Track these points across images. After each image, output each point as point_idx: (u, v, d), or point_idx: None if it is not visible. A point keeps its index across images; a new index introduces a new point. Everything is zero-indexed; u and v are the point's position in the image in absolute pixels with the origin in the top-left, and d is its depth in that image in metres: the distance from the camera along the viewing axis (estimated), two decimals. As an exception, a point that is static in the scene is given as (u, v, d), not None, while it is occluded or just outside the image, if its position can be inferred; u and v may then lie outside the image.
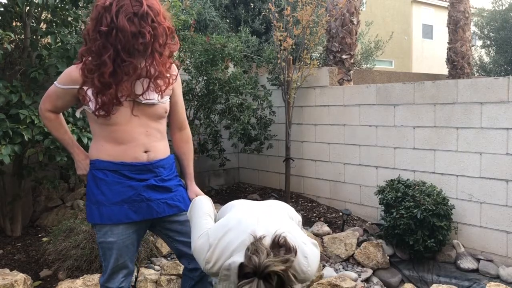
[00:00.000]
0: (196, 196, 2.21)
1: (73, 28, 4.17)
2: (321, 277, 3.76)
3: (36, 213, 4.52)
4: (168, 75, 2.08)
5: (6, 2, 3.63)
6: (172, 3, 4.81)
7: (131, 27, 1.85)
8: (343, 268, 4.13)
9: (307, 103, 5.69)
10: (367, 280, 4.01)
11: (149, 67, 1.97)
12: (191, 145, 2.36)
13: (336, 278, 3.56)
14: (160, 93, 2.06)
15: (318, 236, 4.46)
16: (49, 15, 3.98)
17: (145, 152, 2.08)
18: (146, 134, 2.08)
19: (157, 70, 2.00)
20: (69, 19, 4.07)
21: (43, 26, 4.02)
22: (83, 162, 2.17)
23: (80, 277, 3.21)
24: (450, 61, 10.52)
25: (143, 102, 2.03)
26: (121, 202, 2.02)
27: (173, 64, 2.15)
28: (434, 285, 3.58)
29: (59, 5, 3.86)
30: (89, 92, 1.98)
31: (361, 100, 5.13)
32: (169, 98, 2.20)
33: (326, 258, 4.24)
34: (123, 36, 1.85)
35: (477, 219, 4.24)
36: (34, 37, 3.85)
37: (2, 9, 3.70)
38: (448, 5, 10.85)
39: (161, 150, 2.15)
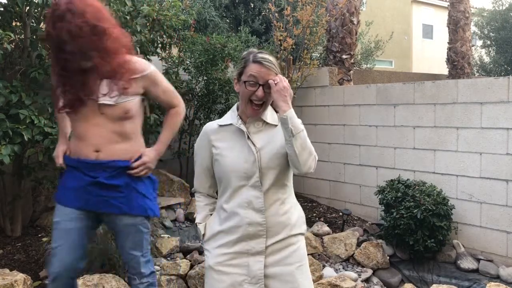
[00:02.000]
0: (143, 155, 2.17)
1: (73, 28, 4.16)
2: (321, 277, 3.76)
3: (36, 213, 4.51)
4: (125, 73, 2.09)
5: (6, 2, 3.63)
6: (172, 3, 4.81)
7: (53, 30, 1.98)
8: (343, 268, 4.13)
9: (307, 103, 5.69)
10: (367, 280, 4.01)
11: (97, 66, 2.03)
12: (174, 119, 2.32)
13: (336, 278, 3.56)
14: (119, 93, 2.08)
15: (318, 236, 4.46)
16: (49, 15, 3.97)
17: (96, 151, 2.12)
18: (100, 135, 2.12)
19: (107, 69, 2.05)
20: (69, 19, 4.06)
21: (43, 26, 4.02)
22: (58, 148, 2.29)
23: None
24: (450, 61, 10.52)
25: (99, 102, 2.08)
26: (70, 189, 2.17)
27: (139, 62, 2.16)
28: (434, 285, 3.59)
29: (59, 5, 3.85)
30: (58, 91, 2.12)
31: (361, 100, 5.13)
32: (143, 97, 2.21)
33: (326, 258, 4.24)
34: (51, 39, 2.00)
35: (477, 219, 4.24)
36: (34, 37, 3.85)
37: (2, 9, 3.70)
38: (448, 5, 10.85)
39: (117, 152, 2.14)
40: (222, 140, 1.92)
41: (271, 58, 1.86)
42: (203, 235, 1.99)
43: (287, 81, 1.83)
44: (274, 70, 1.83)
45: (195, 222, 2.06)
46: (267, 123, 1.92)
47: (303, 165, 1.79)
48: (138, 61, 2.18)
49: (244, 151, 1.86)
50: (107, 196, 2.13)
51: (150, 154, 2.22)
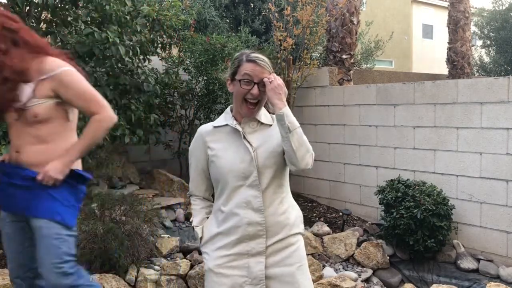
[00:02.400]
0: (49, 164, 2.07)
1: (73, 28, 4.17)
2: (321, 277, 3.76)
3: (36, 213, 4.51)
4: (33, 75, 2.05)
5: (6, 2, 3.63)
6: (172, 3, 4.81)
7: None
8: (343, 268, 4.13)
9: (307, 103, 5.69)
10: (367, 280, 4.01)
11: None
12: (92, 127, 2.11)
13: (336, 278, 3.56)
14: (29, 96, 2.04)
15: (318, 236, 4.46)
16: (49, 15, 3.98)
17: (16, 152, 2.13)
18: (18, 137, 2.13)
19: (10, 71, 2.03)
20: (69, 19, 4.07)
21: (43, 26, 4.02)
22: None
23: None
24: (450, 61, 10.51)
25: (14, 107, 2.07)
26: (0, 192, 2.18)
27: (50, 63, 2.08)
28: (434, 285, 3.59)
29: (59, 5, 3.86)
30: None
31: (361, 100, 5.13)
32: (57, 101, 2.09)
33: (326, 258, 4.24)
34: None
35: (477, 219, 4.24)
36: (34, 37, 3.85)
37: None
38: (448, 5, 10.84)
39: (34, 154, 2.11)
40: (217, 141, 1.92)
41: (264, 57, 1.88)
42: (201, 238, 1.98)
43: (281, 79, 1.84)
44: (267, 69, 1.85)
45: (192, 225, 2.06)
46: (262, 123, 1.93)
47: (301, 161, 1.80)
48: (50, 62, 2.08)
49: (240, 151, 1.86)
50: (17, 196, 2.11)
51: (55, 165, 2.07)
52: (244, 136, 1.87)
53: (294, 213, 1.96)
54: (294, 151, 1.78)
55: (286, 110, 1.78)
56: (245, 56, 1.87)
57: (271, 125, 1.93)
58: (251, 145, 1.87)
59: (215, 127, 1.96)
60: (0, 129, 3.26)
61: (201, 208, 2.05)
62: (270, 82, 1.80)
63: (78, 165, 2.22)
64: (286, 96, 1.84)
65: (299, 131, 1.79)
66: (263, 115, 1.94)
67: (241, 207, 1.84)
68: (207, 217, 2.02)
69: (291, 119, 1.78)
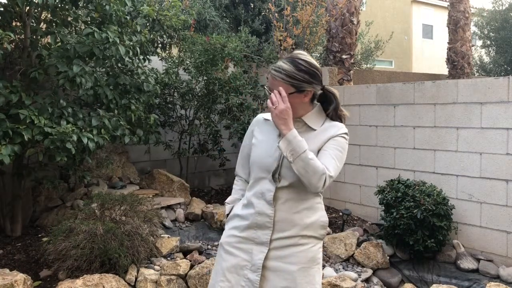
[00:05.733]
0: None
1: (73, 28, 4.17)
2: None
3: (36, 213, 4.51)
4: None
5: (6, 2, 3.63)
6: (172, 3, 4.82)
7: None
8: (343, 268, 4.13)
9: (307, 103, 5.68)
10: (367, 280, 4.01)
11: None
12: None
13: (336, 278, 3.56)
14: None
15: (318, 236, 4.46)
16: (49, 15, 3.98)
17: None
18: None
19: None
20: (69, 19, 4.07)
21: (43, 26, 4.02)
22: None
23: (80, 277, 3.21)
24: (450, 61, 10.52)
25: None
26: None
27: None
28: (434, 285, 3.59)
29: (59, 5, 3.86)
30: None
31: (361, 100, 5.13)
32: None
33: (326, 258, 4.24)
34: None
35: (477, 219, 4.24)
36: (34, 37, 3.85)
37: (2, 9, 3.70)
38: (448, 5, 10.85)
39: None
40: (261, 133, 2.04)
41: (282, 65, 1.89)
42: (227, 215, 2.12)
43: (287, 99, 1.83)
44: (279, 79, 1.88)
45: (225, 201, 2.20)
46: (308, 126, 1.96)
47: (309, 186, 1.84)
48: None
49: (272, 146, 1.94)
50: None
51: None
52: (280, 134, 1.88)
53: (313, 217, 1.97)
54: (300, 176, 1.82)
55: (290, 137, 1.80)
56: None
57: (315, 130, 1.96)
58: None
59: (265, 119, 2.06)
60: (0, 129, 3.27)
61: (239, 189, 2.16)
62: (274, 108, 1.82)
63: None
64: (292, 117, 1.84)
65: (303, 156, 1.79)
66: (314, 117, 1.98)
67: (256, 197, 1.95)
68: (240, 199, 2.12)
69: (295, 145, 1.79)
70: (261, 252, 1.93)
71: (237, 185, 2.18)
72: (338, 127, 1.98)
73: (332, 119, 2.02)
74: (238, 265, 1.96)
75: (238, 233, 1.99)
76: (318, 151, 1.90)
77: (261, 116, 2.10)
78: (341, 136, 1.95)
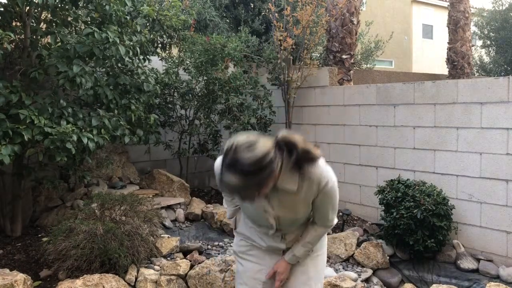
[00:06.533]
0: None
1: (73, 28, 4.17)
2: (321, 277, 3.75)
3: (36, 213, 4.51)
4: None
5: (6, 2, 3.63)
6: (172, 3, 4.82)
7: None
8: (343, 268, 4.13)
9: (307, 103, 5.69)
10: (367, 280, 4.01)
11: None
12: None
13: (336, 278, 3.56)
14: None
15: (318, 236, 4.46)
16: (49, 15, 3.98)
17: None
18: None
19: None
20: (69, 19, 4.07)
21: (43, 26, 4.02)
22: None
23: (80, 277, 3.21)
24: (450, 61, 10.51)
25: None
26: None
27: None
28: (434, 285, 3.58)
29: (59, 5, 3.86)
30: None
31: (361, 100, 5.13)
32: None
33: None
34: None
35: (477, 219, 4.24)
36: (34, 37, 3.85)
37: (2, 9, 3.70)
38: (448, 5, 10.84)
39: None
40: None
41: (238, 180, 1.61)
42: (235, 226, 2.23)
43: (285, 264, 2.07)
44: (255, 190, 1.68)
45: (227, 217, 2.29)
46: (286, 190, 1.84)
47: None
48: None
49: (260, 210, 1.97)
50: None
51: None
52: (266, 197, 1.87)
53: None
54: None
55: (291, 262, 2.07)
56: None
57: (294, 191, 1.83)
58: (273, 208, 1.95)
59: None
60: (0, 129, 3.26)
61: (231, 199, 2.18)
62: (281, 283, 2.09)
63: None
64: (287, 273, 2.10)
65: (308, 249, 2.07)
66: (286, 179, 1.79)
67: (263, 233, 2.08)
68: (238, 207, 2.17)
69: (298, 257, 2.07)
70: (275, 258, 2.11)
71: (227, 196, 2.18)
72: (320, 181, 1.83)
73: (302, 169, 1.78)
74: (252, 270, 2.13)
75: (247, 243, 2.17)
76: (312, 201, 1.94)
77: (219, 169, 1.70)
78: (328, 187, 1.86)
